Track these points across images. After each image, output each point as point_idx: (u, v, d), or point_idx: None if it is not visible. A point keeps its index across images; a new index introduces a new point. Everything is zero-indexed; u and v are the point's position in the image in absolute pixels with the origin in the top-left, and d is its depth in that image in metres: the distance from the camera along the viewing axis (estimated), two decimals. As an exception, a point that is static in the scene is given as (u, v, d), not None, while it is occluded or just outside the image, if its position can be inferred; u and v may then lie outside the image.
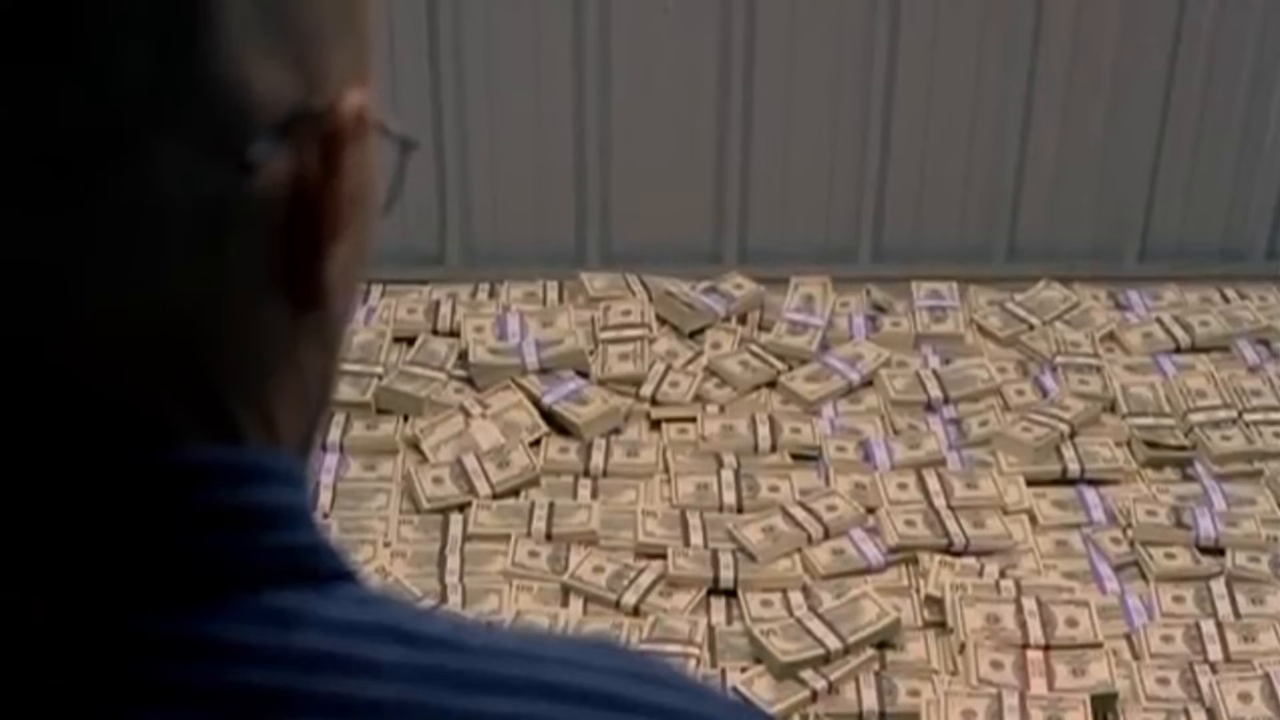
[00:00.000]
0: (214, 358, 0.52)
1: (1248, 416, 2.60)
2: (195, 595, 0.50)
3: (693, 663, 2.11)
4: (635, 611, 2.21)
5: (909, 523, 2.35)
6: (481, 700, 0.53)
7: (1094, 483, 2.47)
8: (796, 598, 2.24)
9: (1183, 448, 2.54)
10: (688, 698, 0.58)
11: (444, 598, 2.22)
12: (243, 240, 0.51)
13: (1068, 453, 2.51)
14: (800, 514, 2.36)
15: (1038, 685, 2.09)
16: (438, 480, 2.42)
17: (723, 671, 2.12)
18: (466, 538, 2.34)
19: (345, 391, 2.57)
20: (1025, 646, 2.14)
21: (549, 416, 2.56)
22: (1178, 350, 2.78)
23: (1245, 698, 2.10)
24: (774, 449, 2.51)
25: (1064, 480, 2.48)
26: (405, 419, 2.56)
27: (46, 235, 0.47)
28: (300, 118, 0.51)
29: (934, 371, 2.68)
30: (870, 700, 2.09)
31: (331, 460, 2.47)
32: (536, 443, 2.52)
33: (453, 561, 2.29)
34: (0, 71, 0.46)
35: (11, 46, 0.46)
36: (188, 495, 0.50)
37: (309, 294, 0.53)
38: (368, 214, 0.56)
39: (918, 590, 2.26)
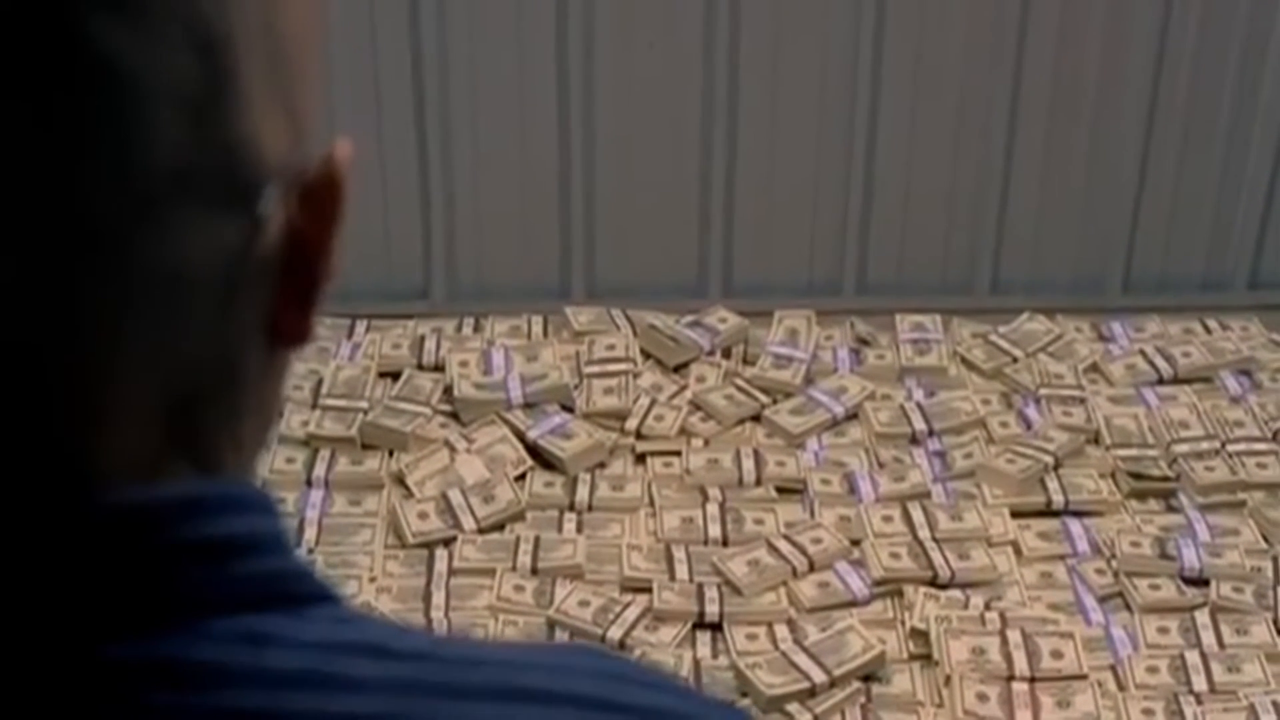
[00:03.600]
0: (206, 397, 0.53)
1: (1231, 447, 2.60)
2: (174, 622, 0.51)
3: (678, 697, 2.10)
4: (621, 646, 2.21)
5: (894, 555, 2.35)
6: (462, 708, 0.54)
7: (1078, 514, 2.48)
8: (782, 631, 2.24)
9: (1166, 479, 2.55)
10: (671, 697, 0.59)
11: (430, 632, 2.22)
12: (247, 291, 0.52)
13: (1052, 484, 2.51)
14: (785, 547, 2.36)
15: (1023, 717, 2.09)
16: (423, 515, 2.42)
17: (708, 705, 2.12)
18: (452, 572, 2.33)
19: (330, 426, 2.58)
20: (1011, 679, 2.14)
21: (534, 451, 2.56)
22: (1161, 381, 2.79)
23: (1230, 728, 2.10)
24: (759, 482, 2.51)
25: (1048, 512, 2.48)
26: (390, 454, 2.56)
27: (61, 295, 0.48)
28: (294, 168, 0.52)
29: (918, 404, 2.69)
30: (856, 733, 2.09)
31: (316, 495, 2.47)
32: (521, 477, 2.52)
33: (438, 596, 2.29)
34: (35, 142, 0.46)
35: (47, 118, 0.46)
36: (168, 527, 0.51)
37: (297, 334, 0.55)
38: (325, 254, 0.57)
39: (903, 623, 2.26)
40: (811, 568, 2.34)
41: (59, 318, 0.48)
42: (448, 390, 2.68)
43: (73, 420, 0.50)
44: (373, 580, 2.32)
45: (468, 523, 2.41)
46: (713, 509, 2.45)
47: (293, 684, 0.51)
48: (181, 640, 0.50)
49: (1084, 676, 2.15)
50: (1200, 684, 2.17)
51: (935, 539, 2.39)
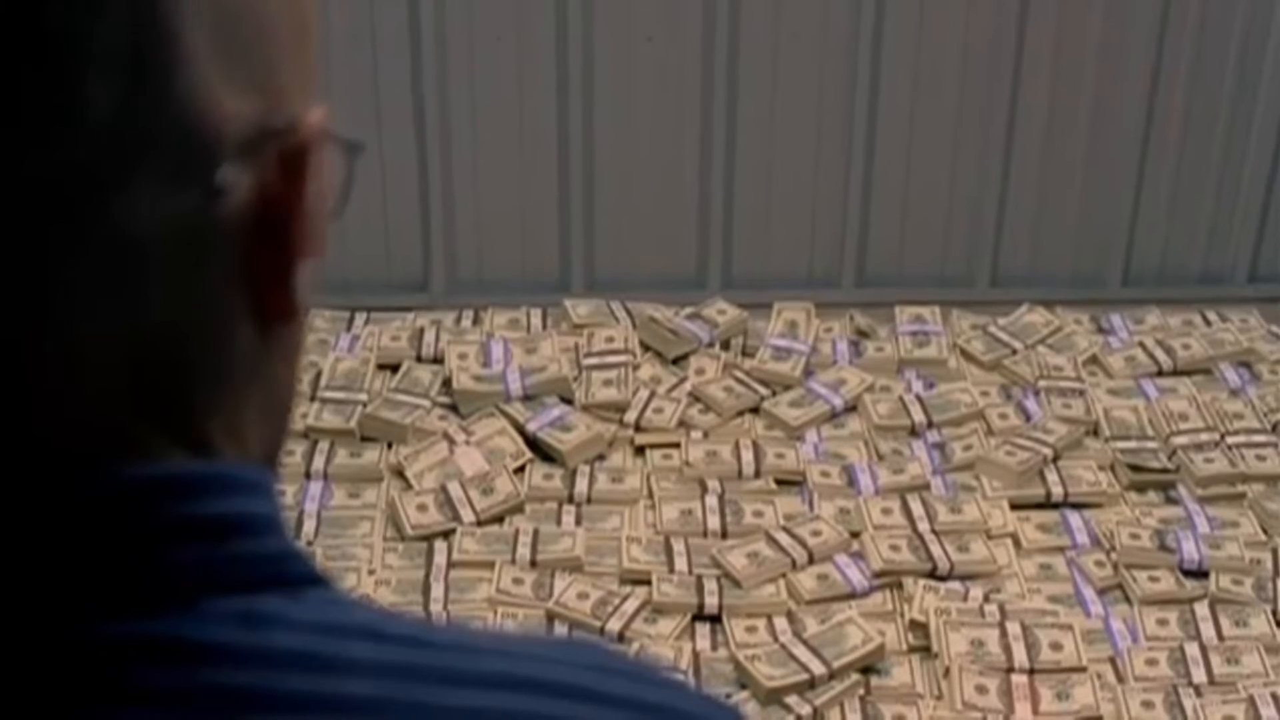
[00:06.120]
0: (188, 376, 0.53)
1: (1230, 439, 2.60)
2: (169, 602, 0.51)
3: (678, 689, 2.10)
4: (620, 638, 2.21)
5: (893, 547, 2.35)
6: (453, 694, 0.54)
7: (1077, 506, 2.48)
8: (781, 623, 2.24)
9: (1166, 471, 2.55)
10: (660, 691, 0.59)
11: (429, 625, 2.22)
12: (214, 262, 0.52)
13: (1051, 476, 2.51)
14: (784, 539, 2.36)
15: (1022, 709, 2.09)
16: (422, 507, 2.42)
17: (708, 697, 2.12)
18: (451, 565, 2.34)
19: (329, 419, 2.58)
20: (1010, 671, 2.14)
21: (533, 443, 2.56)
22: (1160, 373, 2.79)
23: (1229, 720, 2.10)
24: (758, 474, 2.51)
25: (1047, 504, 2.48)
26: (389, 446, 2.56)
27: (23, 270, 0.48)
28: (263, 137, 0.52)
29: (917, 396, 2.69)
30: (855, 725, 2.09)
31: (316, 488, 2.47)
32: (521, 469, 2.52)
33: (437, 589, 2.29)
34: None
35: None
36: (161, 506, 0.51)
37: (281, 309, 0.55)
38: (322, 223, 0.57)
39: (902, 615, 2.26)
40: (811, 560, 2.34)
41: (19, 295, 0.48)
42: (447, 382, 2.68)
43: (44, 399, 0.50)
44: (372, 573, 2.32)
45: (467, 515, 2.41)
46: (712, 501, 2.45)
47: (289, 664, 0.52)
48: (177, 619, 0.51)
49: (1083, 668, 2.16)
50: (1199, 676, 2.17)
51: (934, 531, 2.39)
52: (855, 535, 2.39)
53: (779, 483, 2.51)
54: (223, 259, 0.52)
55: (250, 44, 0.52)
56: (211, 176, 0.50)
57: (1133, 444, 2.59)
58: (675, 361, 2.78)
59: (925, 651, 2.20)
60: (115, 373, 0.50)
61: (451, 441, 2.55)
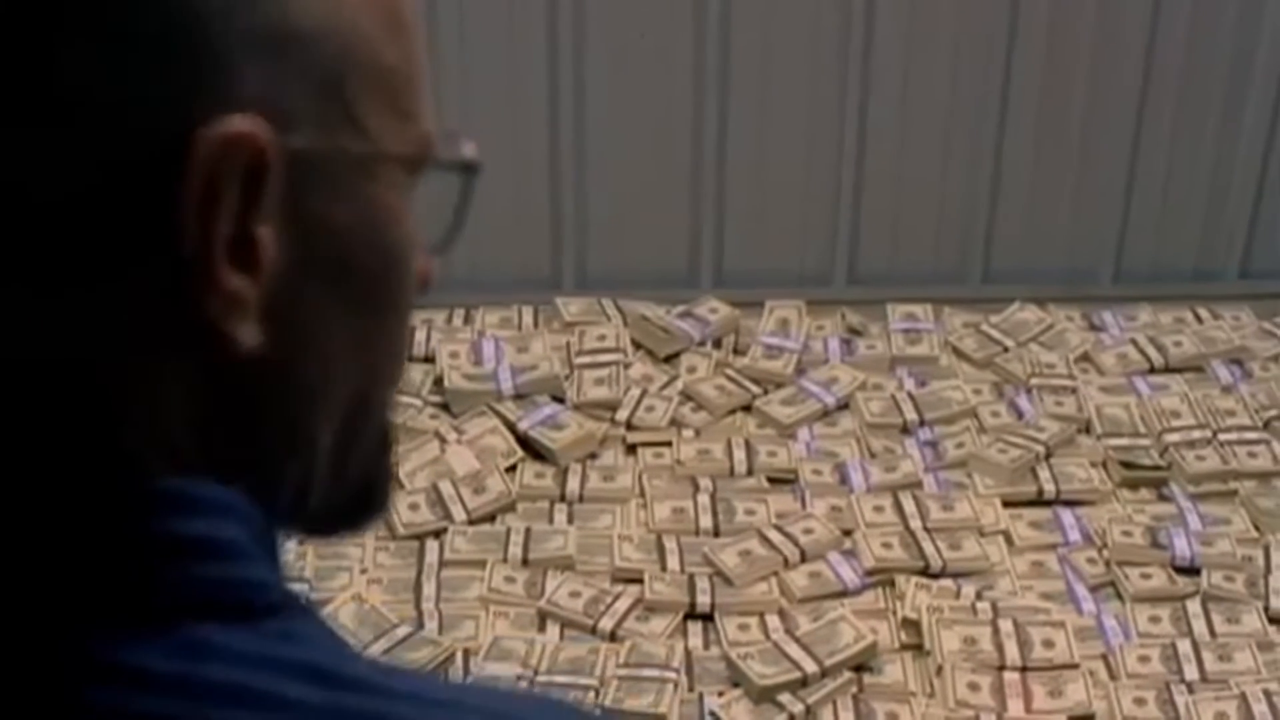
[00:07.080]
0: (116, 402, 0.51)
1: (1222, 436, 2.60)
2: (116, 622, 0.50)
3: (670, 687, 2.10)
4: (612, 636, 2.21)
5: (885, 545, 2.35)
6: None
7: (1070, 503, 2.48)
8: (773, 621, 2.24)
9: (1158, 468, 2.55)
10: None
11: (420, 624, 2.22)
12: (135, 287, 0.50)
13: (1043, 474, 2.51)
14: (777, 537, 2.36)
15: (1015, 707, 2.09)
16: (414, 506, 2.41)
17: (700, 696, 2.12)
18: (443, 564, 2.33)
19: (320, 418, 2.57)
20: (1002, 668, 2.14)
21: (525, 442, 2.56)
22: (1152, 371, 2.79)
23: (1222, 717, 2.10)
24: (750, 472, 2.51)
25: (1040, 501, 2.48)
26: (381, 445, 2.55)
27: None
28: (184, 154, 0.50)
29: (909, 394, 2.69)
30: (848, 723, 2.09)
31: (307, 487, 2.46)
32: (512, 468, 2.51)
33: (429, 588, 2.29)
34: None
35: None
36: (119, 523, 0.50)
37: (212, 330, 0.52)
38: (350, 257, 0.56)
39: (895, 612, 2.26)
40: (803, 558, 2.33)
41: None
42: (438, 381, 2.68)
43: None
44: (364, 572, 2.31)
45: (458, 514, 2.40)
46: (704, 499, 2.45)
47: (220, 698, 0.50)
48: (118, 642, 0.50)
49: (1075, 666, 2.15)
50: (1192, 673, 2.17)
51: (927, 529, 2.39)
52: (847, 533, 2.39)
53: (771, 481, 2.51)
54: (143, 285, 0.50)
55: (129, 40, 0.49)
56: (135, 200, 0.49)
57: (1125, 441, 2.59)
58: (667, 359, 2.77)
59: (918, 649, 2.20)
60: (44, 394, 0.50)
61: (443, 440, 2.55)
